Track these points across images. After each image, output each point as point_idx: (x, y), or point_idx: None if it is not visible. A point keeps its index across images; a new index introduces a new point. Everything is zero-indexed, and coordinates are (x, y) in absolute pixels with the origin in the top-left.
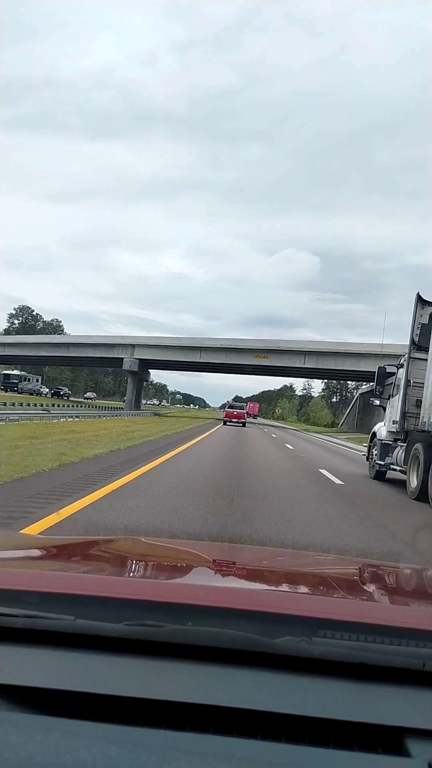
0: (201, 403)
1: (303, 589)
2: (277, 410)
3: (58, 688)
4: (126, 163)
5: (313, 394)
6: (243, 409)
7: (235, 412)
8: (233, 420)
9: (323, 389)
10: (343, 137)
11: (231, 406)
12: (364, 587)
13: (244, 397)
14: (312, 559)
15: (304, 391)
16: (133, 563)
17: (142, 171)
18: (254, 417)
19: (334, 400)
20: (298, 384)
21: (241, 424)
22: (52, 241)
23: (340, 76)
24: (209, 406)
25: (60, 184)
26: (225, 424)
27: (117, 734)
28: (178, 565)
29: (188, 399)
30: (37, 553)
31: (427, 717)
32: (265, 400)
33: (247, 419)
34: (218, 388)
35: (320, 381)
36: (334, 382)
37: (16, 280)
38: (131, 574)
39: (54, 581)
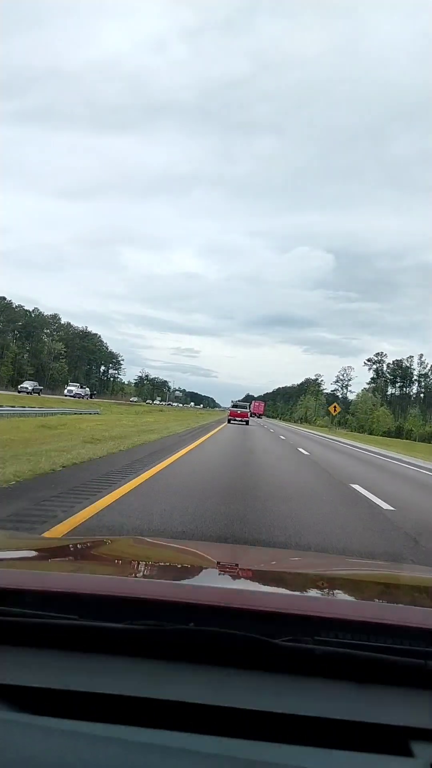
0: (210, 402)
1: (305, 589)
2: (334, 410)
3: (60, 689)
4: (135, 157)
5: (350, 387)
6: (246, 408)
7: (239, 411)
8: (237, 418)
9: (373, 378)
10: (359, 128)
11: (235, 406)
12: (366, 587)
13: (255, 395)
14: (314, 560)
15: (337, 385)
16: (135, 563)
17: (152, 165)
18: (259, 416)
19: (391, 391)
20: (328, 377)
21: (244, 422)
22: (61, 239)
23: (357, 62)
24: (219, 406)
25: (68, 180)
26: (229, 422)
27: (119, 734)
28: (181, 565)
29: (195, 398)
30: (40, 553)
31: (430, 717)
32: (282, 399)
33: (252, 418)
34: (229, 387)
35: (368, 368)
36: (390, 366)
37: (25, 280)
38: (134, 574)
39: (57, 581)
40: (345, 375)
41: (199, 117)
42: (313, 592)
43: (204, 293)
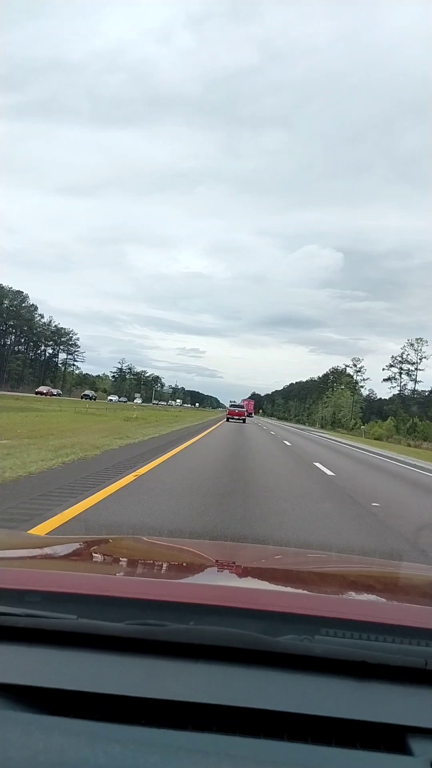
0: (214, 402)
1: (305, 587)
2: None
3: (60, 688)
4: (140, 152)
5: (414, 372)
6: (243, 408)
7: (237, 410)
8: (234, 417)
9: None
10: (368, 121)
11: (233, 406)
12: (366, 586)
13: (262, 395)
14: (314, 558)
15: (392, 371)
16: (135, 562)
17: (157, 161)
18: (249, 414)
19: None
20: (372, 364)
21: (241, 421)
22: (66, 238)
23: (367, 52)
24: (223, 406)
25: (72, 177)
26: (228, 420)
27: (119, 733)
28: (180, 564)
29: (197, 397)
30: (39, 552)
31: (429, 716)
32: (296, 396)
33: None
34: (235, 387)
35: None
36: None
37: (30, 280)
38: (133, 573)
39: (56, 580)
40: (410, 355)
41: (204, 110)
42: (313, 591)
43: (210, 293)
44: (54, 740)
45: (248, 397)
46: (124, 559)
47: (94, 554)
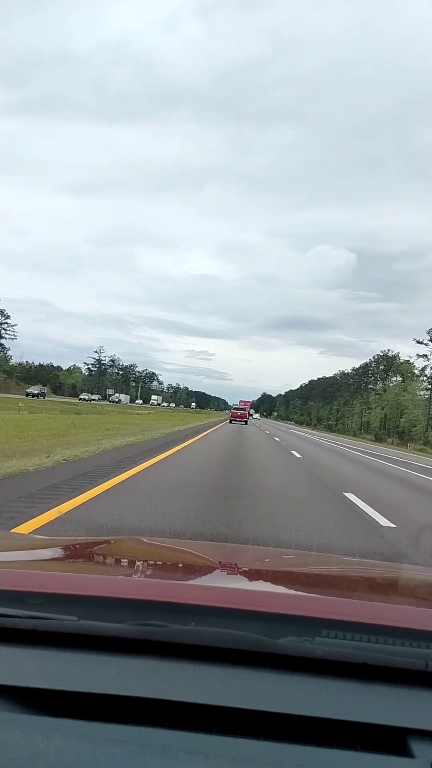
0: (222, 404)
1: (306, 589)
2: None
3: (61, 689)
4: (147, 149)
5: None
6: (245, 411)
7: (239, 413)
8: (237, 419)
9: None
10: (381, 115)
11: (236, 409)
12: (367, 588)
13: (273, 395)
14: (315, 560)
15: None
16: (135, 563)
17: (164, 158)
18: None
19: None
20: None
21: (243, 422)
22: (76, 240)
23: (379, 42)
24: (231, 408)
25: (77, 176)
26: (231, 422)
27: (120, 734)
28: (181, 565)
29: (203, 399)
30: (39, 553)
31: (430, 717)
32: (318, 396)
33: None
34: (244, 389)
35: None
36: None
37: (40, 282)
38: (134, 575)
39: (57, 582)
40: None
41: (212, 104)
42: (314, 593)
43: (219, 295)
44: (54, 742)
45: (258, 398)
46: (125, 560)
47: (94, 556)
